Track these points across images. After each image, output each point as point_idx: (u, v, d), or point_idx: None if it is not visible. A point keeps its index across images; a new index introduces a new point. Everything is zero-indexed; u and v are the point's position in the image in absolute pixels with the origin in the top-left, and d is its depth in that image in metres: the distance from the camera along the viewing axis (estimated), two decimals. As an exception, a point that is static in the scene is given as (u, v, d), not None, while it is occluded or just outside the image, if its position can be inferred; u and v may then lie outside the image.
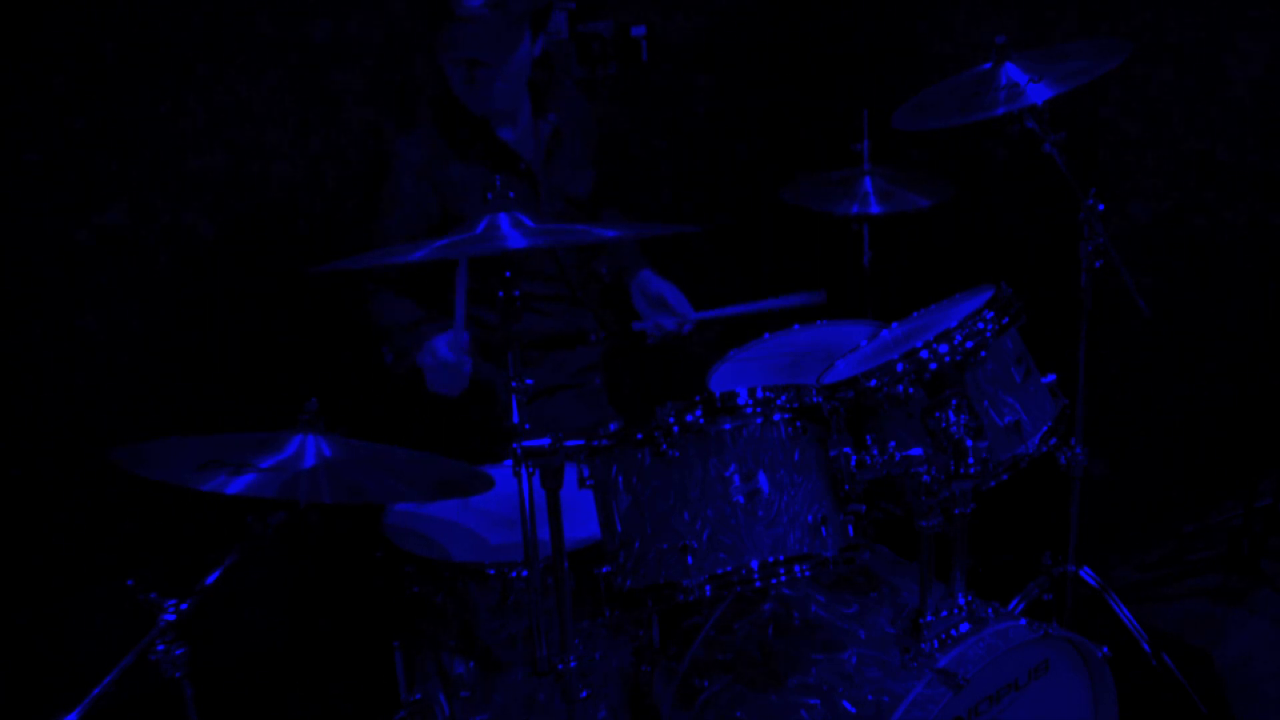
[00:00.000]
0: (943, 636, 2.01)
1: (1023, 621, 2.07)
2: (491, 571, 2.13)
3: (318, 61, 2.97)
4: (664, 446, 1.89)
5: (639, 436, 1.91)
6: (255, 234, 2.93)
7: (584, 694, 1.95)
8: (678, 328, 2.82)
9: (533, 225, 1.92)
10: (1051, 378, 2.19)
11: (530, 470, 1.86)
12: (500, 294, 1.88)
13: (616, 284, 2.96)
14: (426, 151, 2.66)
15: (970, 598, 2.07)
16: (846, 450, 1.97)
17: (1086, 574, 2.75)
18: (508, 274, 1.87)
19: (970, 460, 1.94)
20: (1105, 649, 2.10)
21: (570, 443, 1.87)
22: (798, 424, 1.95)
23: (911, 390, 2.00)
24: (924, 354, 2.01)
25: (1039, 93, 2.39)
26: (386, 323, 2.60)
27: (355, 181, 3.00)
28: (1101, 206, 2.46)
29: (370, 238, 2.61)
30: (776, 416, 1.94)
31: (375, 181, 2.69)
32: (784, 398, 1.94)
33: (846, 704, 2.03)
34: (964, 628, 2.03)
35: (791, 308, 2.78)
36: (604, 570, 1.99)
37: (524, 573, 2.09)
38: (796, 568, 1.92)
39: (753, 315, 2.76)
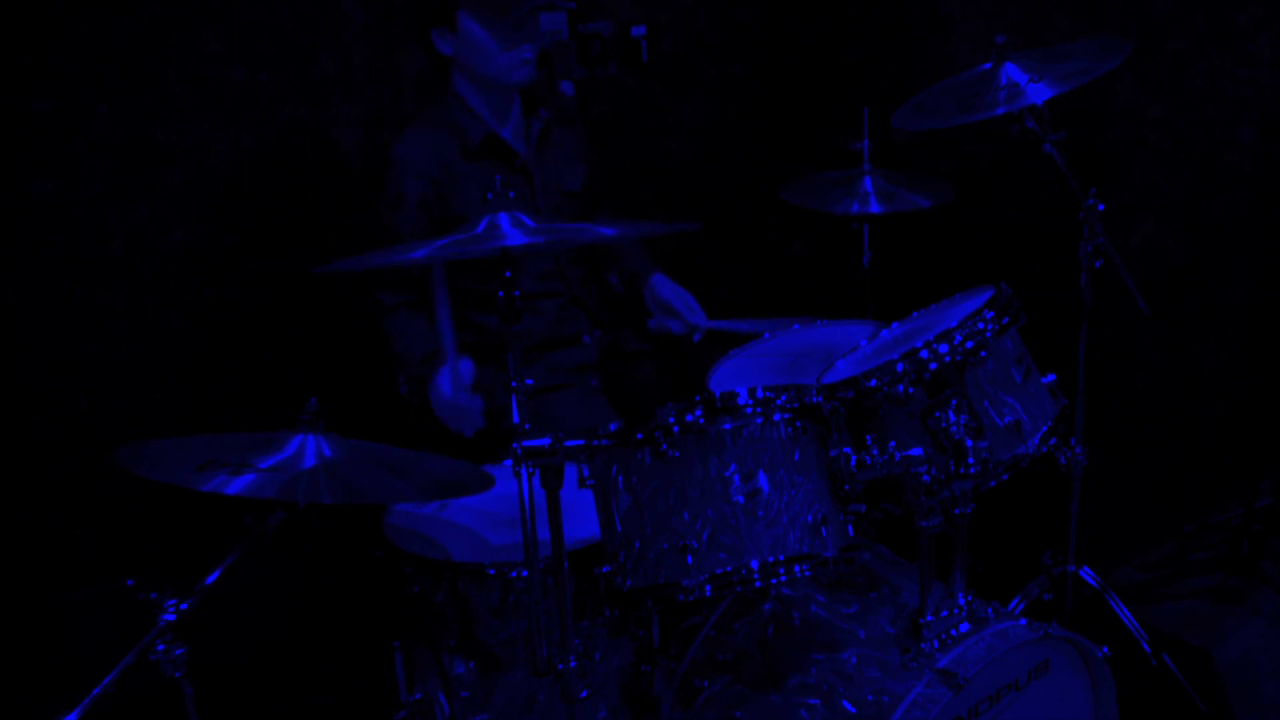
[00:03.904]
0: (943, 636, 2.01)
1: (1023, 621, 2.07)
2: (491, 571, 2.13)
3: (311, 61, 2.97)
4: (664, 446, 1.89)
5: (639, 436, 1.91)
6: (256, 235, 2.93)
7: (584, 694, 1.95)
8: (688, 333, 2.84)
9: (532, 224, 1.93)
10: (1051, 378, 2.19)
11: (530, 470, 1.86)
12: (500, 294, 1.88)
13: (630, 292, 2.97)
14: (426, 150, 2.66)
15: (970, 598, 2.07)
16: (846, 450, 1.97)
17: (1086, 574, 2.75)
18: (508, 274, 1.87)
19: (970, 460, 1.94)
20: (1105, 649, 2.10)
21: (570, 443, 1.87)
22: (798, 424, 1.95)
23: (911, 390, 2.00)
24: (924, 354, 2.01)
25: (1039, 93, 2.39)
26: (400, 349, 2.61)
27: (355, 181, 3.00)
28: (1101, 206, 2.46)
29: (375, 239, 2.61)
30: (776, 416, 1.94)
31: (376, 182, 2.69)
32: (784, 398, 1.94)
33: (846, 704, 2.03)
34: (964, 628, 2.03)
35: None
36: (604, 570, 1.99)
37: (524, 573, 2.09)
38: (796, 568, 1.92)
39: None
